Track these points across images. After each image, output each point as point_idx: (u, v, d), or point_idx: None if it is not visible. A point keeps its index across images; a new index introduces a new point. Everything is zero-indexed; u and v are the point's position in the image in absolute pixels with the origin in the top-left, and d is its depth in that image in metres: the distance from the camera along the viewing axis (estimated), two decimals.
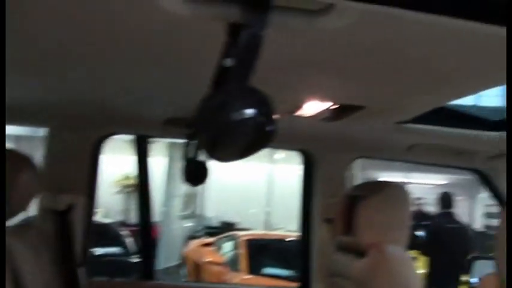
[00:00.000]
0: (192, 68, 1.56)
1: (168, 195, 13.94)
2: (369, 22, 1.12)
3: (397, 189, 2.36)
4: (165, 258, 11.94)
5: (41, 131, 3.00)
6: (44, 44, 1.45)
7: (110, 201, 13.49)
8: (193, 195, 15.25)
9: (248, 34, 1.00)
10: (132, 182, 12.87)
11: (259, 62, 1.01)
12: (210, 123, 1.00)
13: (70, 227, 2.63)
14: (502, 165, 2.69)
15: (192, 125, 2.14)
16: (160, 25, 1.22)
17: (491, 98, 9.81)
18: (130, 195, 14.64)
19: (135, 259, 8.69)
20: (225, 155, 1.08)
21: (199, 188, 9.22)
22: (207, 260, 9.47)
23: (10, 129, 2.20)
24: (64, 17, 1.23)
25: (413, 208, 3.91)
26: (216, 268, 9.02)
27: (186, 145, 2.43)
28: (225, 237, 10.39)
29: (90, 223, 2.85)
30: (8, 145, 2.16)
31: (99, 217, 10.95)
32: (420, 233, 7.33)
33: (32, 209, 2.46)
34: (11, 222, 2.16)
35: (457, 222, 7.57)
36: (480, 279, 5.20)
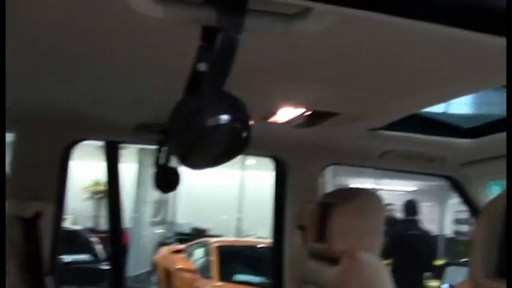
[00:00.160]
0: (164, 72, 1.53)
1: (139, 202, 13.87)
2: (345, 26, 1.11)
3: (370, 196, 2.36)
4: (136, 265, 11.87)
5: (8, 136, 2.94)
6: (13, 50, 1.41)
7: (79, 208, 13.36)
8: (164, 201, 15.18)
9: (223, 38, 0.97)
10: (102, 188, 12.75)
11: (233, 67, 0.99)
12: (183, 129, 0.98)
13: (38, 234, 2.58)
14: (473, 172, 2.71)
15: (164, 131, 2.11)
16: (131, 27, 1.19)
17: (460, 105, 9.97)
18: (100, 202, 14.52)
19: (105, 266, 8.61)
20: (199, 162, 1.06)
21: (170, 194, 9.17)
22: (178, 266, 9.41)
23: None
24: (25, 22, 1.20)
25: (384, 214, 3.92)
26: (187, 275, 8.97)
27: (158, 151, 2.39)
28: (196, 243, 10.34)
29: (59, 230, 2.80)
30: None
31: (68, 224, 10.84)
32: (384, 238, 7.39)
33: None
34: None
35: (420, 229, 7.66)
36: (452, 287, 5.26)
